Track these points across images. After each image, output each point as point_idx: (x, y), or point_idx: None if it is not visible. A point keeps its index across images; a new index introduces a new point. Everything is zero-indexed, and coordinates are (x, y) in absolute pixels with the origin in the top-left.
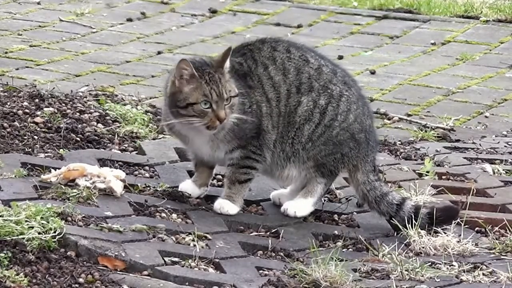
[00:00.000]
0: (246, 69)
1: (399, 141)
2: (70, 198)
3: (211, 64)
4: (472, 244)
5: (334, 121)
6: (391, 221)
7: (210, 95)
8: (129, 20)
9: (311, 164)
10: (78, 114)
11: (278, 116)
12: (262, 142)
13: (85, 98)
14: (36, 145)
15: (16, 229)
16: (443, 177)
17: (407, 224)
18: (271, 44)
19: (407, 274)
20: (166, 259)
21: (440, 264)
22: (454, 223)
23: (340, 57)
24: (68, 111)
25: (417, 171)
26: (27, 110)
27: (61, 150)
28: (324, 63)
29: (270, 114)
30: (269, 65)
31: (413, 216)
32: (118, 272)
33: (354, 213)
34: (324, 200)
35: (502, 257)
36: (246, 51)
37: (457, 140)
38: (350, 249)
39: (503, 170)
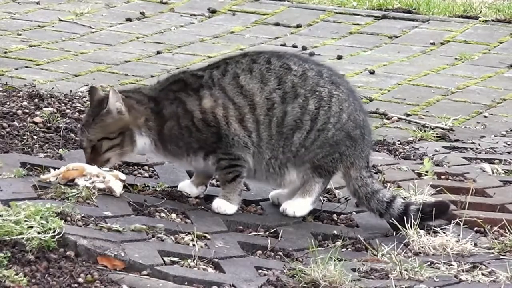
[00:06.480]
0: (204, 81)
1: (398, 141)
2: (70, 198)
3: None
4: (471, 244)
5: (327, 124)
6: (391, 220)
7: None
8: (129, 20)
9: (308, 166)
10: (77, 114)
11: (256, 123)
12: (231, 144)
13: (84, 98)
14: (36, 145)
15: (16, 229)
16: (442, 177)
17: (398, 223)
18: (252, 57)
19: (406, 274)
20: (165, 258)
21: (439, 263)
22: (453, 222)
23: (339, 57)
24: (68, 111)
25: (416, 171)
26: (26, 110)
27: (60, 150)
28: (309, 67)
29: (237, 118)
30: (241, 75)
31: (402, 213)
32: (118, 272)
33: (353, 213)
34: (323, 200)
35: (501, 257)
36: (222, 63)
37: (456, 140)
38: (349, 249)
39: (502, 170)
